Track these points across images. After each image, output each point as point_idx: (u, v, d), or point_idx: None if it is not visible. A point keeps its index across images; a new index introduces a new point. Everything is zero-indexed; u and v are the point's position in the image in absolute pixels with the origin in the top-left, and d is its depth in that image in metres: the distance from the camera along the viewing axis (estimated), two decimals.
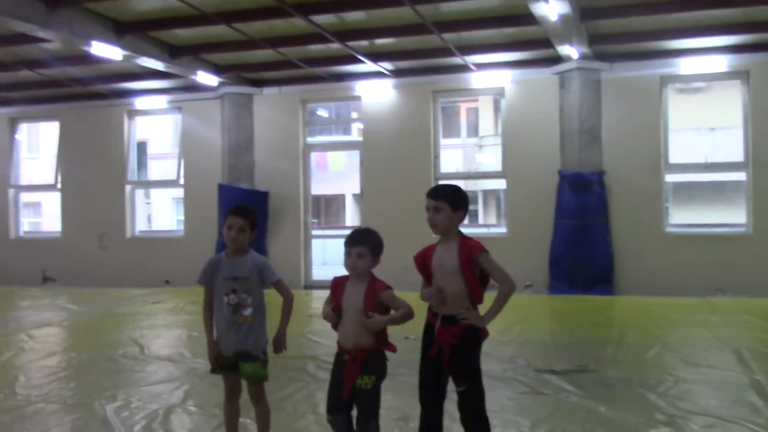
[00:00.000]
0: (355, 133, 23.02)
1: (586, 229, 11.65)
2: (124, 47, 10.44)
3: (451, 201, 3.78)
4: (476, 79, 12.68)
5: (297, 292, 12.35)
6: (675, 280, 11.40)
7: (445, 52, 11.45)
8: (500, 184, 14.16)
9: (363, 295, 3.74)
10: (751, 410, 5.04)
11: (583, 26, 10.25)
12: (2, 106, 15.33)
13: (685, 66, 11.70)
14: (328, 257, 17.53)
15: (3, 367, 6.83)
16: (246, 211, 4.13)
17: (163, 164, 23.15)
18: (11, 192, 15.72)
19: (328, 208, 30.71)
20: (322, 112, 23.96)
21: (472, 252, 3.73)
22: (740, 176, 12.01)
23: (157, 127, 26.08)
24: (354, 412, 3.77)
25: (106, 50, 10.30)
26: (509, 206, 12.87)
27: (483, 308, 3.83)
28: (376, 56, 11.93)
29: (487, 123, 28.26)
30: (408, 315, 3.71)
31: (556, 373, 6.14)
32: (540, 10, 8.89)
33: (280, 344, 4.13)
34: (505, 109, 12.81)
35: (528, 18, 9.46)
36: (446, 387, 3.84)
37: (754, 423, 4.73)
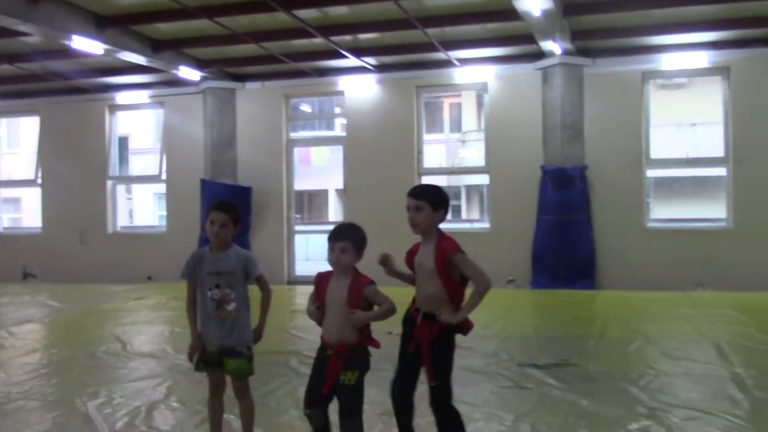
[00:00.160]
0: (339, 129, 23.02)
1: (569, 224, 11.71)
2: (105, 41, 10.35)
3: (432, 201, 3.81)
4: (459, 75, 12.69)
5: (280, 287, 12.42)
6: (656, 274, 11.50)
7: (429, 47, 11.46)
8: (483, 179, 14.22)
9: (347, 290, 3.74)
10: (731, 403, 5.10)
11: (565, 22, 10.29)
12: None
13: (667, 62, 11.79)
14: (311, 252, 17.50)
15: None
16: (229, 206, 4.12)
17: (145, 159, 23.00)
18: None
19: (311, 203, 30.67)
20: (306, 107, 23.89)
21: (445, 252, 3.76)
22: (721, 171, 12.11)
23: (139, 122, 25.90)
24: (334, 407, 3.77)
25: (87, 44, 10.22)
26: (492, 201, 12.91)
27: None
28: (359, 51, 11.91)
29: (470, 118, 28.32)
30: (390, 310, 3.72)
31: (539, 367, 6.17)
32: (523, 5, 8.91)
33: (260, 336, 4.17)
34: (488, 104, 12.83)
35: (511, 13, 9.48)
36: (417, 379, 3.90)
37: (734, 415, 4.79)
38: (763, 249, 11.21)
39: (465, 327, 3.84)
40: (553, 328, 8.56)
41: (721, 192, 12.13)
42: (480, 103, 19.84)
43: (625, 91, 11.92)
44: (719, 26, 10.73)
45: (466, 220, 26.89)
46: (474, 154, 24.04)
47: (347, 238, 3.76)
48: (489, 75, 12.50)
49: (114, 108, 14.87)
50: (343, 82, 13.28)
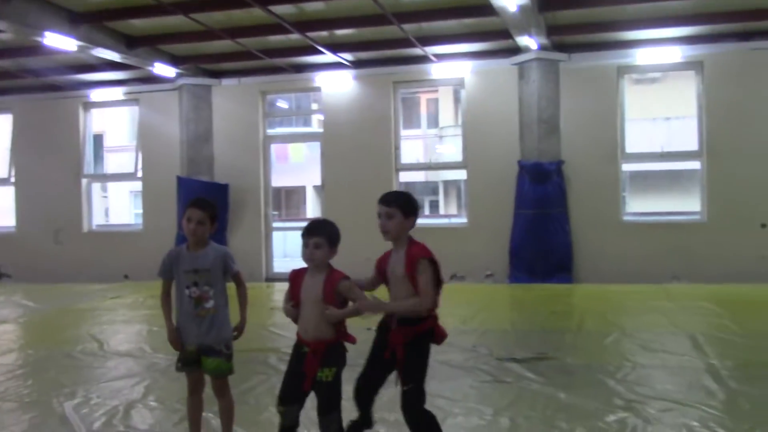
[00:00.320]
0: (316, 125, 22.95)
1: (546, 218, 11.78)
2: (78, 38, 10.24)
3: (404, 208, 3.84)
4: (436, 70, 12.71)
5: (258, 284, 12.38)
6: (632, 267, 11.60)
7: (405, 42, 11.46)
8: (461, 174, 14.24)
9: (322, 285, 3.74)
10: (706, 393, 5.16)
11: (541, 17, 10.35)
12: None
13: (641, 56, 11.88)
14: (289, 249, 17.46)
15: None
16: (205, 204, 4.09)
17: (121, 157, 22.76)
18: None
19: (288, 200, 30.57)
20: (282, 104, 23.81)
21: (414, 258, 3.77)
22: (695, 165, 12.24)
23: (114, 120, 25.64)
24: (311, 404, 3.78)
25: (60, 41, 10.10)
26: (470, 196, 12.95)
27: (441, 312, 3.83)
28: (336, 47, 11.88)
29: (447, 114, 28.37)
30: (372, 309, 3.75)
31: (518, 361, 6.21)
32: (499, 1, 8.94)
33: (241, 332, 4.16)
34: (464, 99, 12.87)
35: (487, 9, 9.51)
36: (384, 381, 3.91)
37: (709, 406, 4.85)
38: (736, 241, 11.36)
39: (438, 336, 3.84)
40: (531, 322, 8.61)
41: (695, 185, 12.26)
42: (457, 99, 19.91)
43: (601, 85, 12.01)
44: (693, 21, 10.83)
45: (443, 216, 26.97)
46: (451, 149, 24.08)
47: (321, 234, 3.76)
48: (465, 70, 12.53)
49: (88, 105, 14.73)
50: (319, 78, 13.25)
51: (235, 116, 13.71)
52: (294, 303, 3.81)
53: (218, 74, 13.72)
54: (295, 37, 11.03)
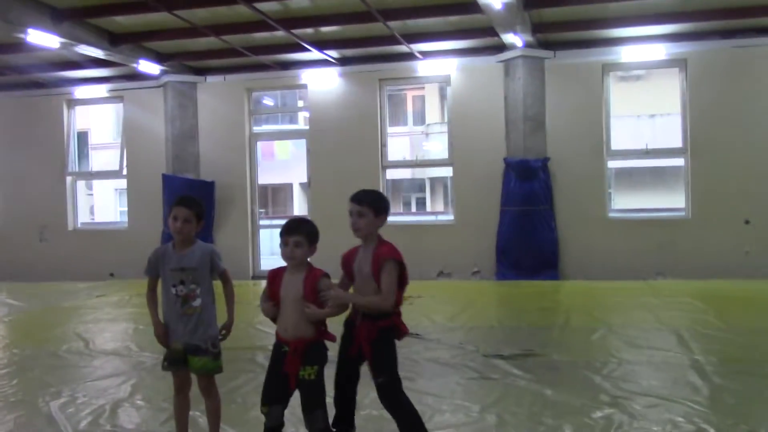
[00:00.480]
0: (302, 122, 22.90)
1: (532, 215, 11.82)
2: (61, 35, 10.16)
3: (375, 206, 3.94)
4: (422, 67, 12.72)
5: (245, 282, 12.34)
6: (618, 264, 11.67)
7: (391, 40, 11.45)
8: (447, 171, 14.25)
9: (302, 283, 3.76)
10: (691, 389, 5.20)
11: (526, 14, 10.37)
12: None
13: (626, 54, 11.94)
14: (275, 247, 17.29)
15: None
16: (192, 202, 4.08)
17: (106, 155, 22.67)
18: None
19: (275, 197, 30.52)
20: (268, 101, 23.76)
21: (381, 257, 3.85)
22: (679, 162, 12.31)
23: (99, 117, 25.50)
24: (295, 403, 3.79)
25: (42, 38, 10.01)
26: (456, 194, 12.97)
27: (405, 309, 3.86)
28: (321, 44, 11.86)
29: (433, 111, 28.41)
30: (345, 306, 3.83)
31: (504, 357, 6.22)
32: None
33: (229, 331, 4.16)
34: (450, 96, 12.88)
35: (473, 6, 9.53)
36: (359, 372, 4.03)
37: (694, 401, 4.89)
38: (720, 237, 11.45)
39: (400, 332, 3.95)
40: (517, 319, 8.63)
41: (680, 182, 12.33)
42: (443, 96, 19.90)
43: (586, 83, 12.06)
44: (677, 19, 10.90)
45: (430, 213, 27.00)
46: (438, 146, 24.12)
47: (300, 233, 3.79)
48: (451, 67, 12.55)
49: (72, 102, 14.63)
50: (305, 76, 13.22)
51: (220, 113, 13.66)
52: (273, 302, 3.83)
53: (203, 71, 13.66)
54: (280, 34, 11.00)
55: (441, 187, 29.02)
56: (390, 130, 13.68)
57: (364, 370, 3.99)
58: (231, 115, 13.64)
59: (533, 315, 8.76)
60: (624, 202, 19.99)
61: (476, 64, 12.41)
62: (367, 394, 4.24)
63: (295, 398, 3.81)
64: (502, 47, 11.91)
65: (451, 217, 13.41)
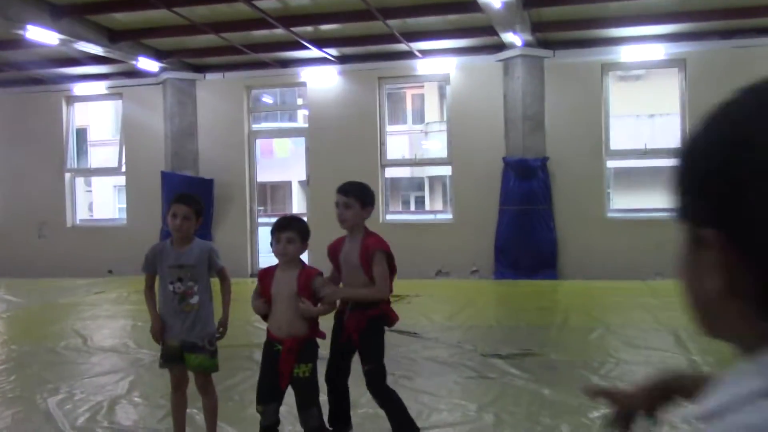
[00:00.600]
0: (301, 120, 22.90)
1: (531, 214, 11.82)
2: (60, 31, 10.14)
3: (361, 198, 4.01)
4: (421, 66, 12.71)
5: (244, 280, 12.32)
6: (616, 264, 11.66)
7: (391, 38, 11.44)
8: (446, 170, 14.26)
9: (295, 280, 3.77)
10: None
11: (526, 14, 10.36)
12: None
13: (625, 54, 11.94)
14: None
15: None
16: (191, 199, 4.08)
17: (105, 151, 22.61)
18: None
19: (274, 195, 30.52)
20: (267, 99, 23.75)
21: (369, 248, 3.91)
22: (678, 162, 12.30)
23: (98, 114, 25.48)
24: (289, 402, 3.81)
25: (41, 34, 10.00)
26: (455, 192, 12.97)
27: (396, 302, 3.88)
28: (321, 42, 11.85)
29: (432, 109, 28.42)
30: (334, 304, 3.92)
31: (502, 357, 6.23)
32: None
33: (225, 329, 4.17)
34: (450, 95, 12.88)
35: (472, 5, 9.52)
36: (350, 364, 4.12)
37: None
38: None
39: (391, 319, 4.03)
40: (515, 318, 8.64)
41: None
42: (442, 95, 19.90)
43: (585, 82, 12.05)
44: (676, 19, 10.90)
45: (429, 212, 27.00)
46: (437, 145, 24.13)
47: (293, 229, 3.82)
48: (451, 66, 12.54)
49: (71, 99, 14.61)
50: (305, 73, 13.21)
51: (219, 111, 13.65)
52: (265, 300, 3.84)
53: (202, 69, 13.66)
54: (279, 32, 10.98)
55: (440, 186, 29.03)
56: (389, 128, 13.68)
57: (356, 366, 4.04)
58: (230, 112, 13.63)
59: (531, 314, 8.77)
60: (623, 201, 19.97)
61: (475, 63, 12.41)
62: (363, 393, 4.24)
63: (290, 396, 3.82)
64: (501, 46, 11.90)
65: (449, 216, 13.40)
